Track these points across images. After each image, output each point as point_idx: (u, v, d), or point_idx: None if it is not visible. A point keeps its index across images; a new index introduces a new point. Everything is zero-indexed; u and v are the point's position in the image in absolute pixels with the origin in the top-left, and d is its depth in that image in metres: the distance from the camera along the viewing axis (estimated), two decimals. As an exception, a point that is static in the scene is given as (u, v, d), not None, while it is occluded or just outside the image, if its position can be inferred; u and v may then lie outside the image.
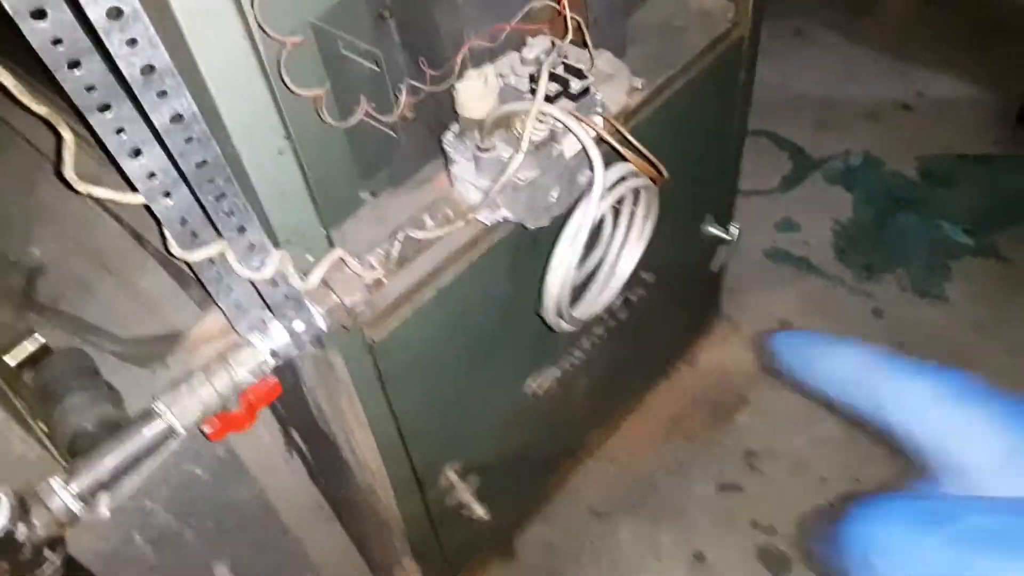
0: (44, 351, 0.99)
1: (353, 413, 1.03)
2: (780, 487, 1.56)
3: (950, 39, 2.45)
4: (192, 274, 0.71)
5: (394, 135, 0.94)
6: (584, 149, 0.73)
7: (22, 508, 0.62)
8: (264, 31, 0.71)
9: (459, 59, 0.87)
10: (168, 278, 1.00)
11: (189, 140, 0.54)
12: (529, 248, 1.03)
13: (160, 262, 1.03)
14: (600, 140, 0.74)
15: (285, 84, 0.76)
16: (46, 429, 0.86)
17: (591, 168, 0.75)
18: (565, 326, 0.85)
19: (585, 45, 0.87)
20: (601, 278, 0.88)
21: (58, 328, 1.01)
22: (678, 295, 1.55)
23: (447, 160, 0.87)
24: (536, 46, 0.84)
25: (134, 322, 0.99)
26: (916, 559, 0.32)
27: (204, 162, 0.56)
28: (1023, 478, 0.34)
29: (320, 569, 1.25)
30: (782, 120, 2.29)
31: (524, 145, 0.70)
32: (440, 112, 0.92)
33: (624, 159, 0.78)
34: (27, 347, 0.97)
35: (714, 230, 1.49)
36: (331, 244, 0.82)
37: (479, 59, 0.89)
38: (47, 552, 0.65)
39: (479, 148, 0.81)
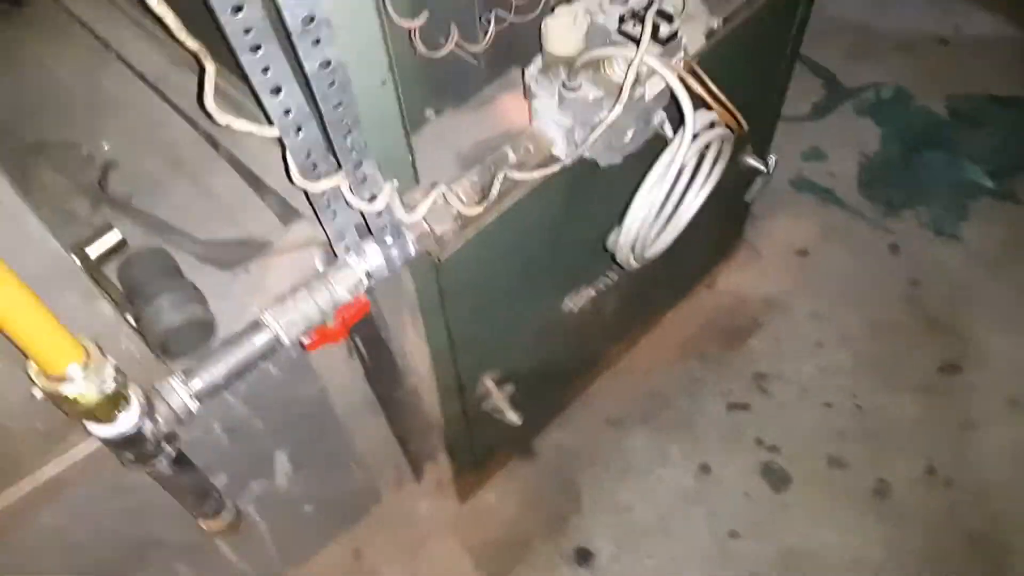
0: (122, 244, 1.03)
1: (412, 324, 1.09)
2: (786, 409, 1.66)
3: (995, -29, 2.40)
4: (288, 180, 0.75)
5: (473, 61, 0.96)
6: (676, 99, 0.76)
7: (149, 405, 0.68)
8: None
9: (546, -11, 0.88)
10: (243, 184, 1.03)
11: (332, 84, 0.57)
12: (587, 178, 1.07)
13: (233, 166, 1.06)
14: (687, 88, 0.77)
15: (389, 15, 0.78)
16: (135, 325, 0.91)
17: (677, 115, 0.78)
18: (634, 263, 0.90)
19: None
20: (663, 219, 0.92)
21: (135, 225, 1.04)
22: (709, 222, 1.59)
23: (528, 95, 0.89)
24: (624, -16, 0.85)
25: (210, 225, 1.02)
26: None
27: (340, 103, 0.59)
28: None
29: (364, 458, 1.35)
30: (817, 44, 2.25)
31: (624, 96, 0.73)
32: (514, 37, 0.93)
33: (707, 107, 0.81)
34: (107, 240, 1.01)
35: (752, 161, 1.51)
36: (415, 170, 0.86)
37: (562, -10, 0.90)
38: (165, 444, 0.71)
39: (565, 87, 0.83)
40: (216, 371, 0.72)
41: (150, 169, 1.10)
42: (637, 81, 0.83)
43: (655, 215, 0.84)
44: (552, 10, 0.84)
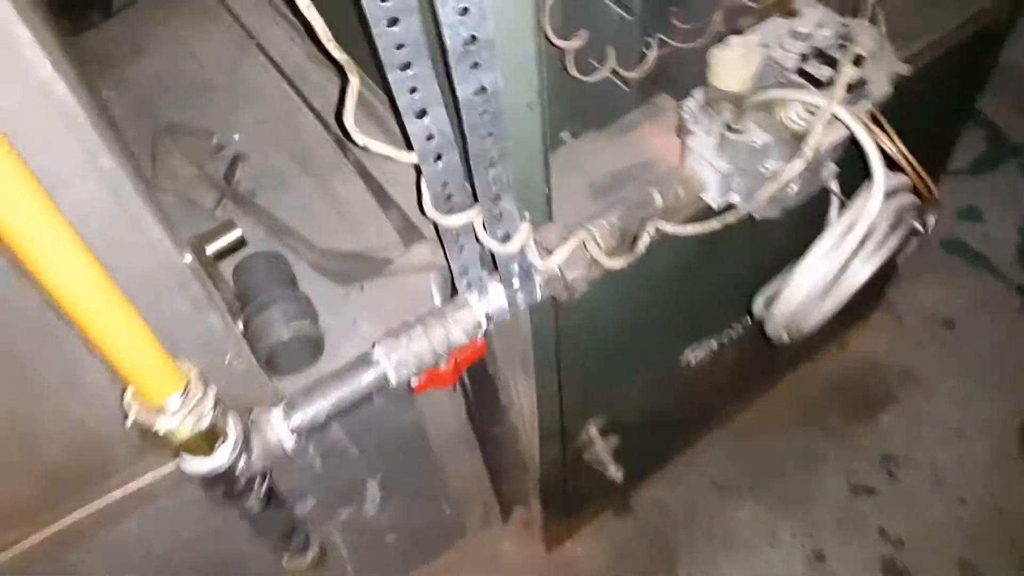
0: (240, 243, 1.01)
1: (523, 362, 1.02)
2: (916, 499, 1.49)
3: None
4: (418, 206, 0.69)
5: (625, 88, 0.89)
6: (859, 152, 0.66)
7: (245, 441, 0.63)
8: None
9: (716, 16, 0.79)
10: (368, 194, 0.99)
11: (484, 113, 0.51)
12: (734, 229, 0.97)
13: (360, 174, 1.02)
14: (879, 147, 0.67)
15: (547, 36, 0.72)
16: (243, 331, 0.88)
17: (859, 173, 0.68)
18: (787, 337, 0.80)
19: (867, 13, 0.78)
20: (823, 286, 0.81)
21: (256, 223, 1.02)
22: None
23: (682, 131, 0.80)
24: (810, 18, 0.75)
25: (331, 232, 0.98)
26: None
27: (490, 134, 0.53)
28: None
29: (453, 493, 1.28)
30: (983, 93, 2.06)
31: (808, 152, 0.63)
32: (668, 64, 0.85)
33: (896, 168, 0.70)
34: (227, 237, 0.99)
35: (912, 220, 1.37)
36: (549, 204, 0.79)
37: (733, 17, 0.81)
38: (256, 481, 0.66)
39: (729, 128, 0.74)
40: (319, 406, 0.66)
41: (277, 166, 1.08)
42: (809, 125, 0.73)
43: (826, 286, 0.73)
44: (722, 39, 0.75)
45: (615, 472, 1.26)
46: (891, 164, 0.73)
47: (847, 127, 0.64)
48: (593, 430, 1.23)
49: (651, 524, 1.50)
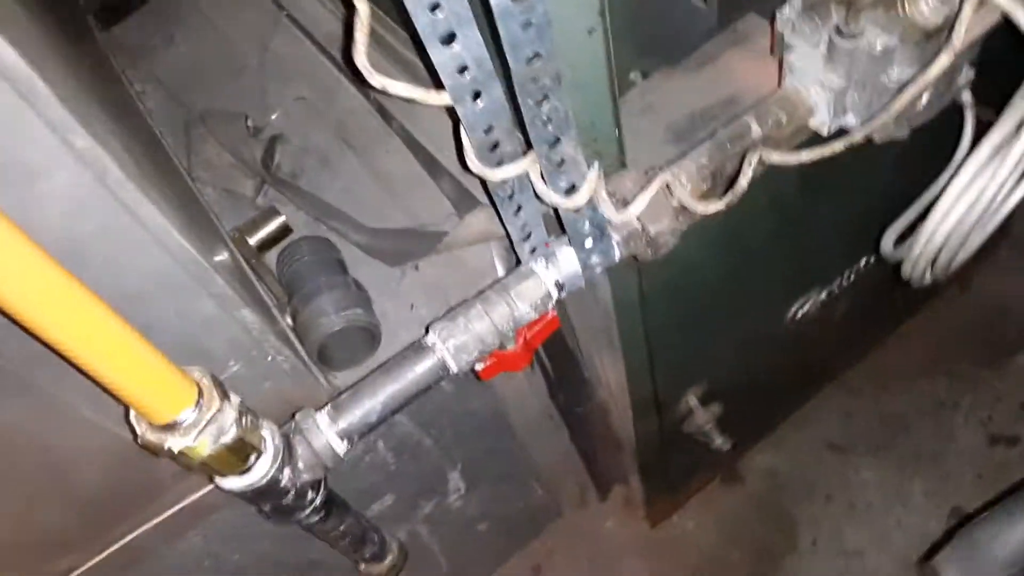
0: (285, 230, 0.93)
1: (607, 333, 0.90)
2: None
3: None
4: (460, 164, 0.59)
5: (703, 5, 0.75)
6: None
7: (287, 450, 0.55)
8: None
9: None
10: (416, 165, 0.89)
11: (527, 26, 0.39)
12: (845, 156, 0.82)
13: (407, 144, 0.92)
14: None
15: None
16: (292, 325, 0.80)
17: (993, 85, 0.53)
18: (930, 278, 0.66)
19: None
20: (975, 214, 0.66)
21: (299, 207, 0.94)
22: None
23: (779, 46, 0.66)
24: None
25: (379, 210, 0.89)
26: None
27: (537, 55, 0.41)
28: None
29: (543, 475, 1.19)
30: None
31: (957, 40, 0.49)
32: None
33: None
34: (270, 226, 0.92)
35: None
36: (622, 149, 0.67)
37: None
38: (309, 492, 0.58)
39: (839, 32, 0.60)
40: (368, 406, 0.57)
41: (318, 144, 0.99)
42: (943, 24, 0.58)
43: (980, 214, 0.59)
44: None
45: (723, 443, 1.14)
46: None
47: (1000, 4, 0.50)
48: (693, 400, 1.11)
49: (764, 493, 1.37)
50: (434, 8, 0.39)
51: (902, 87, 0.57)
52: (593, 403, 1.06)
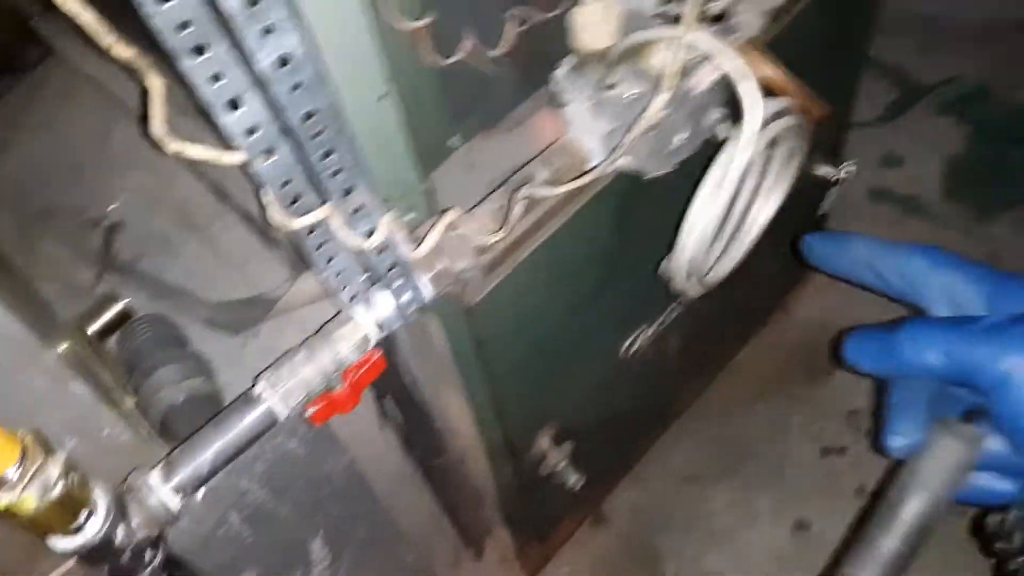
0: (125, 316, 0.94)
1: (448, 379, 0.96)
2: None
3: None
4: (280, 231, 0.64)
5: (495, 71, 0.84)
6: (734, 84, 0.62)
7: (119, 508, 0.56)
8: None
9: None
10: (252, 236, 0.93)
11: (297, 87, 0.45)
12: (636, 196, 0.93)
13: (243, 218, 0.96)
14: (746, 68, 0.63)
15: (387, 16, 0.67)
16: (134, 404, 0.80)
17: (733, 112, 0.64)
18: (694, 291, 0.75)
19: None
20: (727, 233, 0.77)
21: (139, 290, 0.95)
22: (779, 241, 1.43)
23: (558, 102, 0.76)
24: (663, -36, 0.72)
25: (220, 284, 0.92)
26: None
27: (312, 113, 0.47)
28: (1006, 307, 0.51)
29: (411, 536, 1.20)
30: (887, 40, 2.06)
31: (668, 81, 0.59)
32: (541, 43, 0.81)
33: (771, 93, 0.66)
34: (110, 312, 0.92)
35: (824, 170, 1.35)
36: (433, 200, 0.74)
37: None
38: (147, 552, 0.59)
39: (600, 86, 0.70)
40: (201, 458, 0.59)
41: (157, 228, 1.02)
42: (685, 69, 0.69)
43: (715, 230, 0.69)
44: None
45: (576, 481, 1.20)
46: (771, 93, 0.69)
47: (709, 55, 0.61)
48: (545, 440, 1.17)
49: (629, 531, 1.43)
50: (216, 78, 0.45)
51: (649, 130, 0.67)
52: (449, 454, 1.10)
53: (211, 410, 0.82)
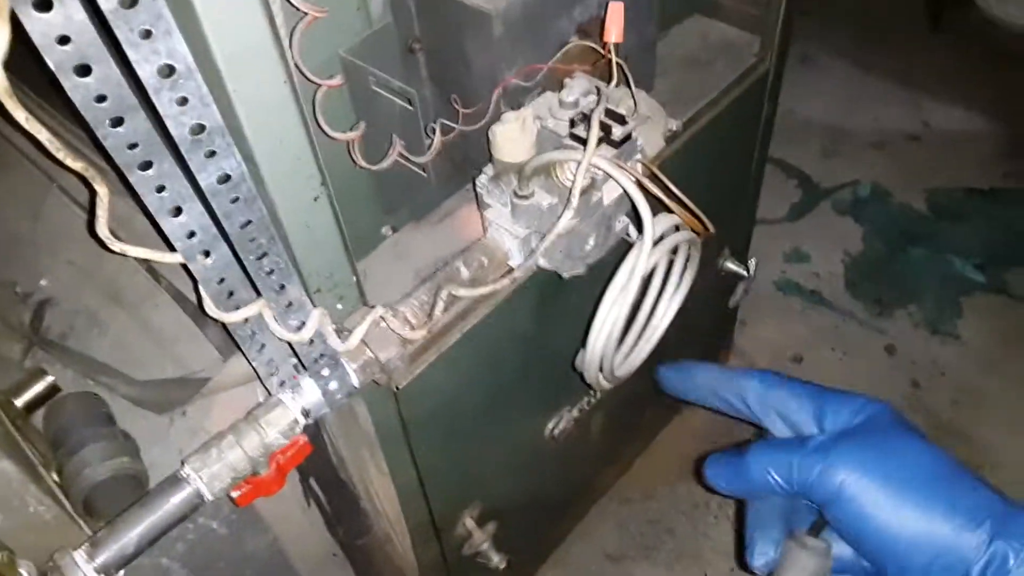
0: (53, 390, 0.95)
1: (374, 461, 0.99)
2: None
3: (958, 69, 2.45)
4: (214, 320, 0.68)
5: (423, 173, 0.91)
6: (632, 202, 0.70)
7: (41, 586, 0.58)
8: (303, 73, 0.68)
9: (494, 99, 0.84)
10: (183, 316, 0.96)
11: (235, 200, 0.51)
12: (554, 292, 1.00)
13: (175, 298, 0.99)
14: (644, 190, 0.71)
15: (321, 128, 0.74)
16: (59, 480, 0.81)
17: (638, 220, 0.72)
18: (605, 383, 0.82)
19: (624, 83, 0.84)
20: (635, 332, 0.85)
21: (68, 366, 0.97)
22: (692, 331, 1.52)
23: (480, 204, 0.84)
24: (575, 88, 0.81)
25: (148, 362, 0.95)
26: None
27: (249, 222, 0.53)
28: (830, 424, 0.58)
29: (332, 618, 1.20)
30: (789, 147, 2.27)
31: (574, 200, 0.67)
32: (467, 147, 0.89)
33: (668, 210, 0.75)
34: (36, 387, 0.93)
35: (732, 265, 1.46)
36: (362, 291, 0.79)
37: (512, 97, 0.86)
38: (66, 630, 0.60)
39: (517, 195, 0.77)
40: (126, 539, 0.61)
41: (88, 305, 1.04)
42: (592, 186, 0.77)
43: (621, 329, 0.76)
44: (500, 117, 0.80)
45: (499, 561, 1.23)
46: (669, 210, 0.78)
47: (610, 176, 0.69)
48: (469, 521, 1.20)
49: (551, 610, 1.46)
50: (160, 189, 0.50)
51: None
52: (373, 534, 1.12)
53: (136, 489, 0.83)
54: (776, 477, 0.57)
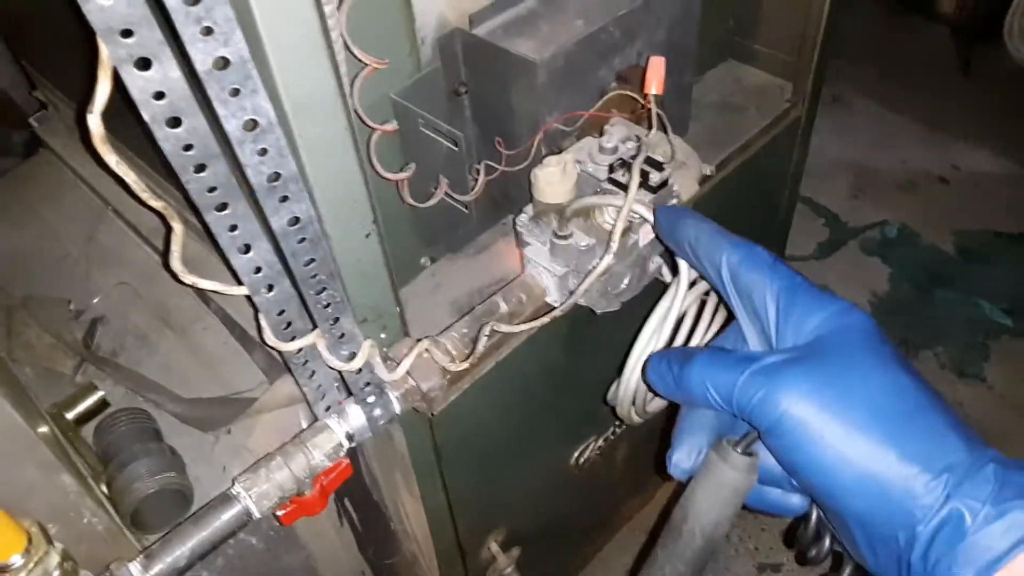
0: (102, 405, 0.99)
1: (406, 484, 1.02)
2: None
3: (987, 112, 2.47)
4: (259, 340, 0.71)
5: (464, 210, 0.95)
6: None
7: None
8: (362, 119, 0.72)
9: (535, 142, 0.88)
10: (231, 338, 1.01)
11: (302, 240, 0.55)
12: (586, 327, 1.03)
13: (223, 321, 1.03)
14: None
15: (375, 169, 0.78)
16: (107, 492, 0.85)
17: (672, 262, 0.75)
18: (636, 419, 0.84)
19: (662, 128, 0.88)
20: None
21: (118, 382, 1.01)
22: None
23: (520, 242, 0.87)
24: (615, 135, 0.85)
25: (195, 382, 0.99)
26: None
27: (312, 260, 0.57)
28: (793, 328, 0.51)
29: (358, 637, 1.23)
30: (818, 186, 2.29)
31: (614, 244, 0.70)
32: (504, 185, 0.93)
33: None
34: (87, 401, 0.98)
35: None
36: (403, 321, 0.83)
37: (552, 140, 0.90)
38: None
39: (556, 235, 0.81)
40: (178, 553, 0.65)
41: (138, 324, 1.08)
42: (630, 228, 0.80)
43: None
44: (542, 160, 0.84)
45: (521, 587, 1.25)
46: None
47: (648, 221, 0.72)
48: (493, 545, 1.22)
49: (570, 638, 1.47)
50: (232, 229, 0.54)
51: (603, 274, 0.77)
52: (401, 555, 1.15)
53: (181, 503, 0.87)
54: (715, 395, 0.51)
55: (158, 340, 1.05)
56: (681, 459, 0.56)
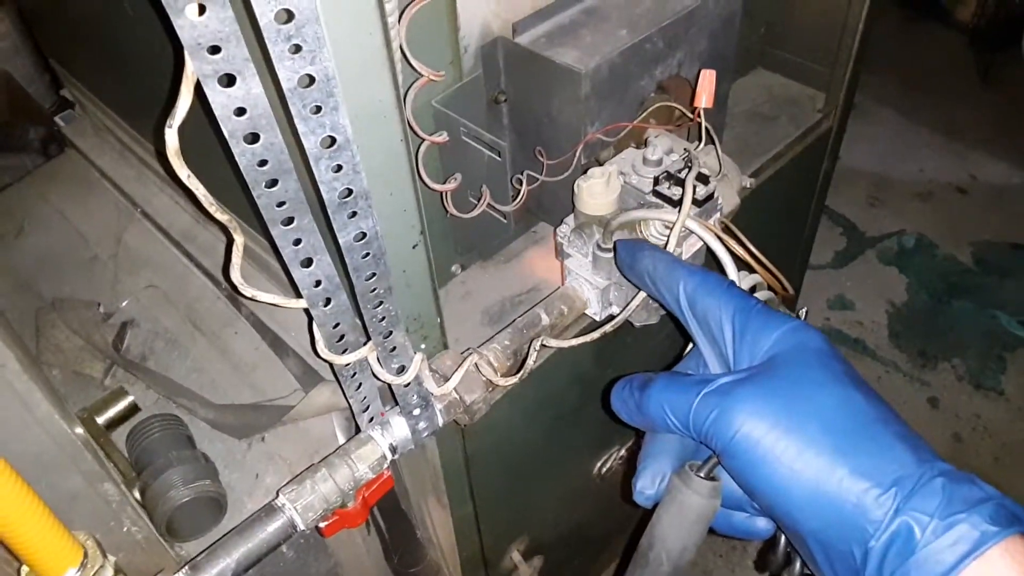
0: (133, 409, 0.99)
1: (435, 493, 1.01)
2: None
3: (1005, 121, 2.46)
4: (312, 350, 0.71)
5: (502, 220, 0.95)
6: (715, 259, 0.73)
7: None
8: (414, 130, 0.72)
9: (577, 152, 0.88)
10: (263, 344, 1.00)
11: (366, 256, 0.54)
12: (621, 337, 1.03)
13: (254, 326, 1.03)
14: (729, 251, 0.74)
15: (422, 179, 0.77)
16: (140, 500, 0.85)
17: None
18: (679, 434, 0.84)
19: (709, 142, 0.87)
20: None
21: (148, 387, 1.00)
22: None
23: (560, 254, 0.87)
24: (659, 147, 0.84)
25: (227, 387, 0.98)
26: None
27: (374, 275, 0.56)
28: (748, 349, 0.52)
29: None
30: (836, 194, 2.28)
31: (667, 261, 0.70)
32: (540, 194, 0.92)
33: (748, 268, 0.77)
34: (118, 406, 0.97)
35: (782, 311, 1.47)
36: (443, 332, 0.82)
37: (592, 150, 0.89)
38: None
39: (600, 247, 0.80)
40: (223, 564, 0.64)
41: (168, 328, 1.08)
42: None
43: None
44: (584, 171, 0.83)
45: (543, 596, 1.24)
46: (749, 268, 0.80)
47: (699, 237, 0.72)
48: (516, 555, 1.22)
49: (588, 646, 1.46)
50: (297, 242, 0.53)
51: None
52: (426, 564, 1.14)
53: (215, 511, 0.86)
54: (672, 419, 0.52)
55: (188, 344, 1.05)
56: (645, 486, 0.56)
